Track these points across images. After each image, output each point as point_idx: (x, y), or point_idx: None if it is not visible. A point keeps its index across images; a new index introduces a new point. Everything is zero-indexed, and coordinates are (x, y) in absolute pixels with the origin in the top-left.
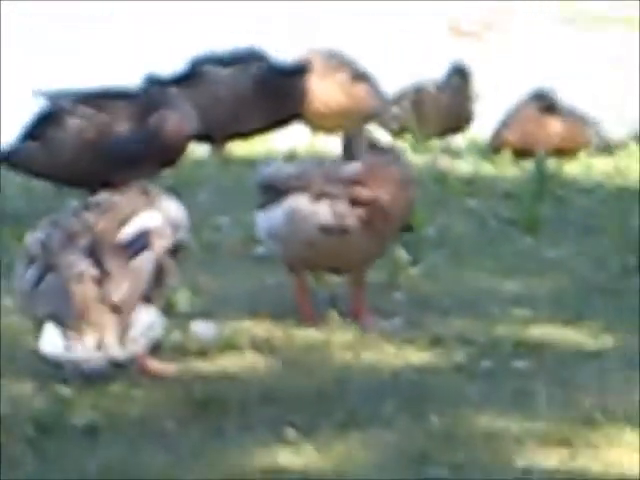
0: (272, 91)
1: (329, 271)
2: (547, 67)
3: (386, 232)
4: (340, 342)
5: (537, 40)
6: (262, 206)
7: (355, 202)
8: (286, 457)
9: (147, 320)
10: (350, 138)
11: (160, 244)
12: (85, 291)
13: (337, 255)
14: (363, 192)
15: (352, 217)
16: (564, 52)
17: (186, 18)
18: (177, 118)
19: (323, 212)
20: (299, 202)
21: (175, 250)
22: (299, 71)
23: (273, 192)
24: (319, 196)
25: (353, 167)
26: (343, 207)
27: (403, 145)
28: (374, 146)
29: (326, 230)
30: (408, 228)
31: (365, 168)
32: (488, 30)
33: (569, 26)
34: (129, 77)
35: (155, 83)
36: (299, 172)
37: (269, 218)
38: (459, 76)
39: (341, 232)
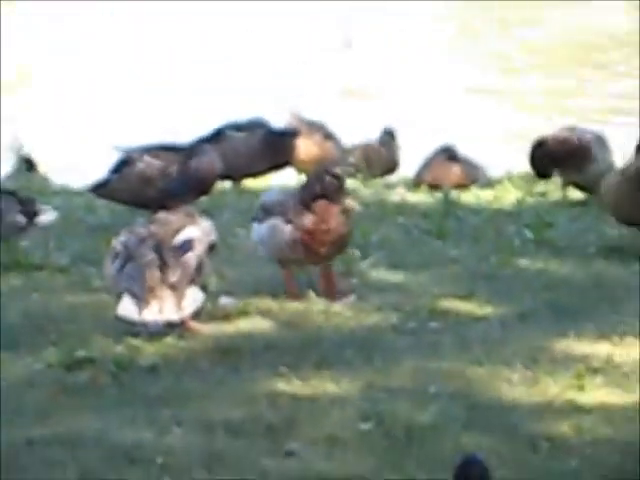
0: (271, 147)
1: (300, 265)
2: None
3: (325, 256)
4: (315, 310)
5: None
6: (258, 220)
7: (304, 243)
8: (280, 385)
9: (192, 295)
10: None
11: (199, 248)
12: (152, 274)
13: (297, 259)
14: (309, 240)
15: (301, 246)
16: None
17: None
18: (209, 163)
19: (288, 233)
20: (277, 223)
21: (209, 250)
22: (290, 134)
23: (266, 211)
24: (288, 221)
25: (309, 218)
26: (299, 235)
27: (356, 182)
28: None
29: (288, 245)
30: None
31: (315, 222)
32: (378, 92)
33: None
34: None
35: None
36: (281, 201)
37: (260, 229)
38: (389, 135)
39: (296, 249)
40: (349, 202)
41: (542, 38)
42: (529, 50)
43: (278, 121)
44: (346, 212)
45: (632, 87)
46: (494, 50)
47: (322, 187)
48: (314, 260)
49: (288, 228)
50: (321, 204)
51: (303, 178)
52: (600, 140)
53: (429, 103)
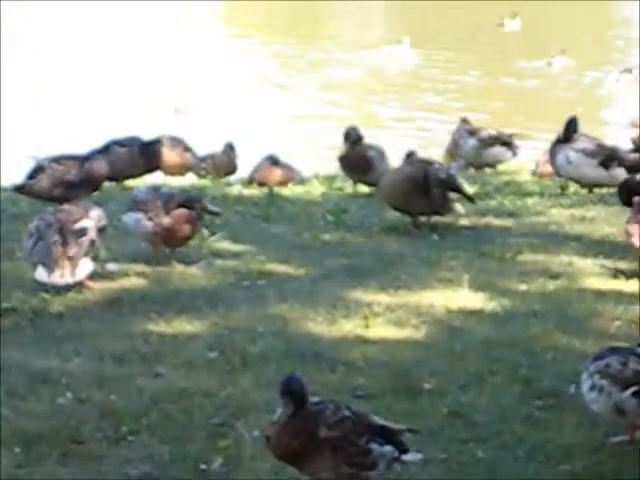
0: (145, 155)
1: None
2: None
3: (176, 245)
4: (176, 272)
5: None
6: (130, 209)
7: (161, 235)
8: (151, 326)
9: (85, 265)
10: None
11: (92, 233)
12: (57, 250)
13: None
14: (165, 234)
15: (159, 236)
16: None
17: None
18: (99, 167)
19: (149, 227)
20: (141, 217)
21: (100, 231)
22: (157, 142)
23: (135, 204)
24: (150, 218)
25: (167, 219)
26: (157, 230)
27: (207, 182)
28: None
29: (149, 235)
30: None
31: (171, 221)
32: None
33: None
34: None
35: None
36: (147, 200)
37: (130, 218)
38: (230, 148)
39: (155, 238)
40: (215, 208)
41: (345, 76)
42: (336, 85)
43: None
44: (201, 216)
45: (405, 111)
46: (310, 85)
47: (186, 201)
48: (169, 245)
49: (149, 224)
50: (179, 211)
51: (169, 180)
52: (380, 152)
53: (263, 125)
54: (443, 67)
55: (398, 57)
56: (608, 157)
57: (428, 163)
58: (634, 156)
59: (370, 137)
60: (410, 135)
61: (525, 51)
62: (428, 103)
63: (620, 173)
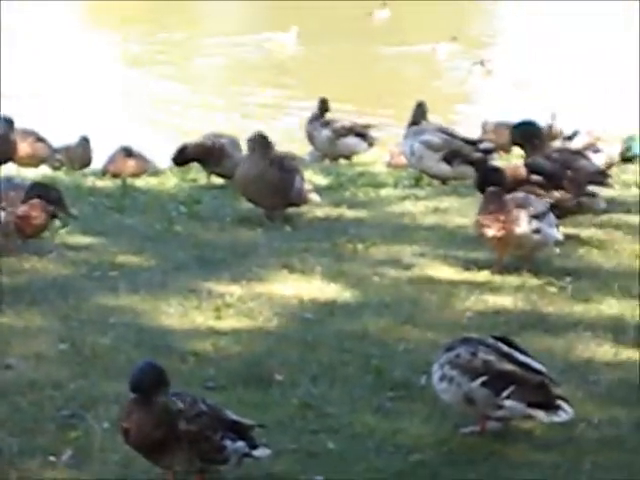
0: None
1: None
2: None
3: (30, 235)
4: (27, 265)
5: None
6: None
7: (16, 225)
8: (1, 319)
9: None
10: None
11: None
12: None
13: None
14: (20, 223)
15: (14, 227)
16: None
17: None
18: None
19: (1, 216)
20: None
21: None
22: (8, 127)
23: None
24: (3, 208)
25: (23, 208)
26: (10, 219)
27: (61, 173)
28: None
29: (2, 225)
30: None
31: (27, 209)
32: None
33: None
34: None
35: None
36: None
37: None
38: (85, 140)
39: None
40: (73, 211)
41: (210, 64)
42: (199, 72)
43: None
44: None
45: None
46: (176, 73)
47: (44, 194)
48: (23, 236)
49: (2, 214)
50: (35, 200)
51: (22, 171)
52: (233, 142)
53: (119, 115)
54: (316, 57)
55: (276, 45)
56: (453, 153)
57: (283, 156)
58: (479, 155)
59: (230, 127)
60: (273, 125)
61: (397, 39)
62: (296, 93)
63: (465, 170)
